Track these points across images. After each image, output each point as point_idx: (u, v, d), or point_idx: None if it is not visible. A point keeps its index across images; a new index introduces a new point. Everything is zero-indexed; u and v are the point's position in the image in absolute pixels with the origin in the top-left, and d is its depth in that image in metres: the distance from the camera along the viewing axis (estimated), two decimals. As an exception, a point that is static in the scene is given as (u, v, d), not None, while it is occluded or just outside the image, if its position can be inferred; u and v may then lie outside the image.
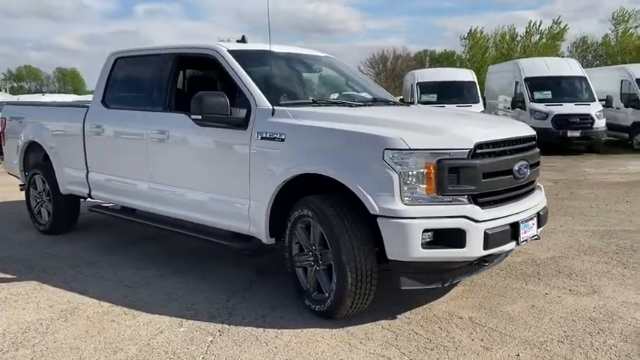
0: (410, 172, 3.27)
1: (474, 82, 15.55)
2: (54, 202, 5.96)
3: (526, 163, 3.73)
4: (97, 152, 5.29)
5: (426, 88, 15.88)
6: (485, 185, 3.42)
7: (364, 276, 3.43)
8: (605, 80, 16.43)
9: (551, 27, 54.27)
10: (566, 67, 15.88)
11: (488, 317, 3.68)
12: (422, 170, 3.27)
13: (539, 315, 3.72)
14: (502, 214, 3.50)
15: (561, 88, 15.28)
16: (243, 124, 3.98)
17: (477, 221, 3.33)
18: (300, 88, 4.83)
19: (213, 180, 4.27)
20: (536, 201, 3.92)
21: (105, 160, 5.24)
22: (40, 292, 4.30)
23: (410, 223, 3.24)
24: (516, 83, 15.92)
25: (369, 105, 4.57)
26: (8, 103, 7.16)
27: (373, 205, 3.29)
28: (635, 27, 53.62)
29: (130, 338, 3.43)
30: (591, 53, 55.37)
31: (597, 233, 5.89)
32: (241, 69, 4.22)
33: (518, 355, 3.16)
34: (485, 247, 3.37)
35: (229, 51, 4.39)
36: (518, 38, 54.31)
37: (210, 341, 3.38)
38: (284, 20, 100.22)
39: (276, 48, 4.80)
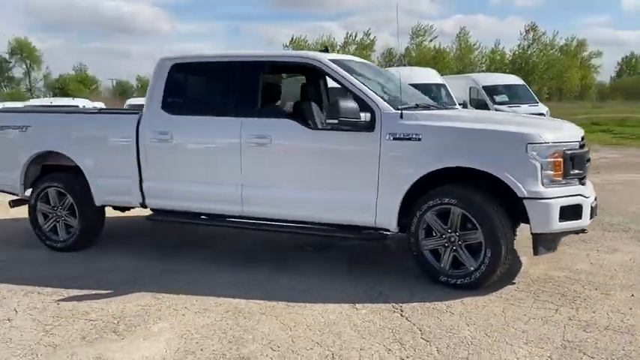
0: (546, 161, 4.10)
1: None
2: (81, 215, 5.60)
3: (589, 152, 4.82)
4: (161, 160, 5.18)
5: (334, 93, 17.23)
6: (585, 170, 4.40)
7: (510, 248, 4.18)
8: (454, 87, 18.92)
9: (362, 38, 59.93)
10: (428, 75, 18.02)
11: (576, 275, 4.67)
12: (553, 159, 4.12)
13: (604, 269, 4.82)
14: (591, 193, 4.51)
15: (426, 94, 17.34)
16: (369, 126, 4.44)
17: (586, 197, 4.29)
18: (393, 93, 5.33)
19: (334, 179, 4.63)
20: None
21: (174, 168, 5.16)
22: (169, 300, 4.24)
23: (551, 202, 4.08)
24: None
25: (452, 108, 5.29)
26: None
27: (522, 190, 4.06)
28: (430, 40, 61.65)
29: (333, 323, 3.74)
30: (396, 63, 61.48)
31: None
32: (351, 76, 4.66)
33: (632, 295, 4.18)
34: (590, 218, 4.36)
35: (331, 60, 4.79)
36: (338, 47, 58.66)
37: (401, 315, 3.84)
38: (84, 17, 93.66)
39: (347, 57, 5.27)
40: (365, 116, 4.48)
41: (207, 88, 5.34)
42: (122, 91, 65.95)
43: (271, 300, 4.18)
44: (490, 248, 4.14)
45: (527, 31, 60.46)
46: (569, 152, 4.19)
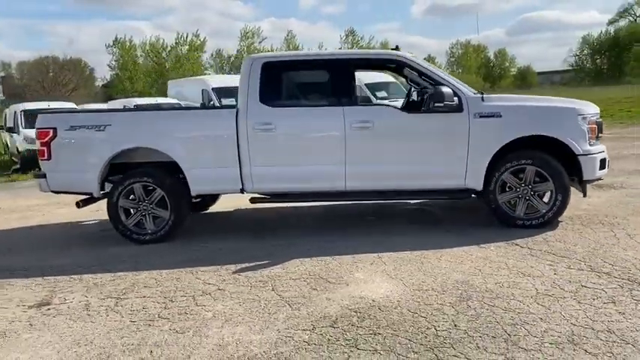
0: (588, 127, 5.68)
1: None
2: (174, 207, 5.93)
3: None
4: (265, 147, 5.77)
5: (223, 92, 17.43)
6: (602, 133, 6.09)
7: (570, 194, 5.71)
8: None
9: (192, 39, 59.65)
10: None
11: (590, 212, 6.35)
12: (591, 126, 5.72)
13: (601, 206, 6.59)
14: (603, 150, 6.22)
15: None
16: (458, 109, 5.63)
17: (605, 153, 5.98)
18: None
19: (430, 152, 5.72)
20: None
21: (278, 153, 5.79)
22: (329, 261, 4.98)
23: (596, 156, 5.68)
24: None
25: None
26: (53, 111, 6.25)
27: (578, 149, 5.58)
28: (259, 42, 63.53)
29: (486, 257, 4.88)
30: (229, 65, 62.39)
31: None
32: (435, 69, 5.81)
33: (642, 218, 5.97)
34: (608, 168, 6.06)
35: (411, 57, 5.88)
36: (169, 48, 57.69)
37: (522, 247, 5.11)
38: None
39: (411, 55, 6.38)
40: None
41: (303, 82, 6.06)
42: None
43: (411, 250, 5.16)
44: (561, 194, 5.61)
45: (346, 36, 65.54)
46: (597, 120, 5.84)
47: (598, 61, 63.63)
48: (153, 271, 5.00)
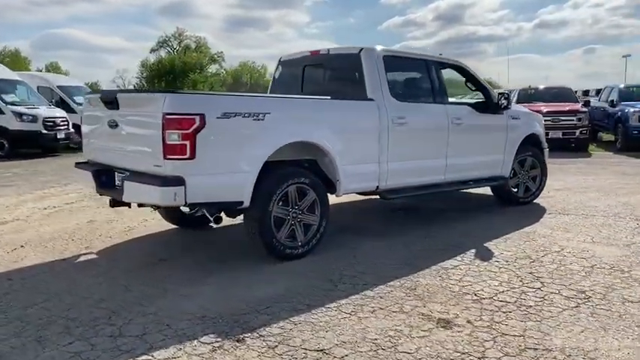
0: (543, 126, 8.00)
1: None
2: (325, 212, 5.14)
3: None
4: (400, 142, 5.63)
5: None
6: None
7: (545, 174, 7.84)
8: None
9: None
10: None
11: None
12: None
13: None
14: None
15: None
16: (501, 112, 7.00)
17: (533, 148, 8.40)
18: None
19: (490, 146, 6.83)
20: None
21: (408, 148, 5.74)
22: (518, 238, 5.66)
23: (547, 148, 8.01)
24: None
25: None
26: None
27: (544, 143, 7.78)
28: None
29: (572, 223, 6.48)
30: None
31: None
32: (480, 78, 6.97)
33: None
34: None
35: (468, 66, 6.88)
36: None
37: (565, 215, 6.94)
38: None
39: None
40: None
41: (412, 78, 6.10)
42: None
43: (529, 226, 6.27)
44: (544, 177, 7.68)
45: None
46: (541, 120, 8.21)
47: (157, 84, 65.17)
48: (423, 275, 4.54)
